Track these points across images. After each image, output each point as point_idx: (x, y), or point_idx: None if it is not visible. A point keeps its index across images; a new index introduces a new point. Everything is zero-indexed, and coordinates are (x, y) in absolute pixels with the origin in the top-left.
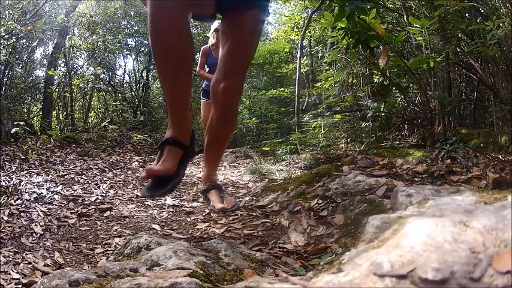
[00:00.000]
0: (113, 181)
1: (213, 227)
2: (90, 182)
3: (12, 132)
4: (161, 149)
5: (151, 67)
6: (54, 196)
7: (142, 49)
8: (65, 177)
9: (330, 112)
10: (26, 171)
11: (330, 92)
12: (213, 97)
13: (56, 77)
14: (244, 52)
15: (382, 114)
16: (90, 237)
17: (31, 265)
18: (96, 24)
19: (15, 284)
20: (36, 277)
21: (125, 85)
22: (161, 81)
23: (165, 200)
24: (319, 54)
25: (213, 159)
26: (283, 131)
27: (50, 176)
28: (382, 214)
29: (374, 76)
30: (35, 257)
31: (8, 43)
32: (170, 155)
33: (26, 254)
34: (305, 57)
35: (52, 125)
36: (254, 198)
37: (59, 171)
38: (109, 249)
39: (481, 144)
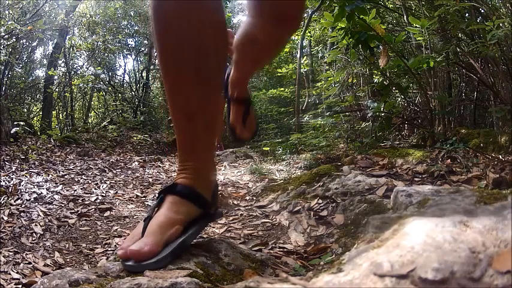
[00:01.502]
0: (113, 181)
1: (213, 227)
2: (90, 182)
3: (12, 132)
4: (159, 200)
5: (151, 67)
6: (54, 196)
7: (142, 49)
8: (65, 177)
9: (330, 112)
10: (26, 171)
11: (330, 92)
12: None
13: (56, 77)
14: None
15: (382, 114)
16: (90, 237)
17: (31, 265)
18: (96, 24)
19: (15, 284)
20: (36, 277)
21: (124, 85)
22: (170, 98)
23: None
24: (319, 54)
25: (245, 65)
26: (283, 131)
27: (50, 176)
28: (382, 214)
29: (374, 76)
30: (35, 257)
31: (8, 43)
32: (173, 209)
33: (26, 254)
34: (305, 57)
35: (52, 125)
36: (254, 198)
37: (59, 171)
38: (109, 249)
39: (481, 144)
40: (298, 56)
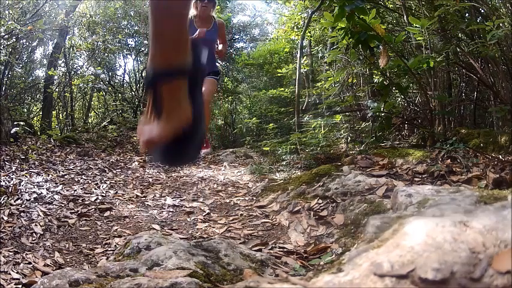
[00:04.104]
0: (113, 181)
1: (213, 227)
2: (90, 182)
3: (12, 132)
4: (153, 94)
5: None
6: (54, 196)
7: (142, 49)
8: (65, 177)
9: (330, 112)
10: (26, 171)
11: (330, 92)
12: None
13: (56, 77)
14: None
15: (382, 114)
16: (90, 237)
17: (31, 265)
18: (96, 24)
19: (15, 284)
20: (36, 277)
21: (124, 85)
22: None
23: (165, 200)
24: (319, 54)
25: None
26: (283, 131)
27: (50, 176)
28: (382, 214)
29: (374, 76)
30: (35, 257)
31: (8, 43)
32: (175, 97)
33: (26, 254)
34: (305, 57)
35: (52, 125)
36: (254, 198)
37: (59, 171)
38: (109, 249)
39: (481, 144)
40: (298, 56)
